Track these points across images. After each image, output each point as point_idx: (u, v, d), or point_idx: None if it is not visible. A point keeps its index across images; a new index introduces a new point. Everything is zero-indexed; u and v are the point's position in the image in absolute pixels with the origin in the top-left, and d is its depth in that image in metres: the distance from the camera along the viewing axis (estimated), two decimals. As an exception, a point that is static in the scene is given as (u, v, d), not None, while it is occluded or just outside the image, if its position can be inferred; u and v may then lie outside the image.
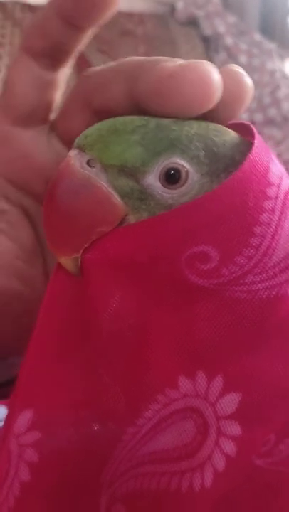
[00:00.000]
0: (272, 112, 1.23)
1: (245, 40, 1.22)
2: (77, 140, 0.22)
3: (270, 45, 1.24)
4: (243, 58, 1.20)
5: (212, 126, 0.23)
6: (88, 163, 0.22)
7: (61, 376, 0.24)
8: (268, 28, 1.36)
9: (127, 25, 0.98)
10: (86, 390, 0.24)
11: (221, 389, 0.23)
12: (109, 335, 0.23)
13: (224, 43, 1.18)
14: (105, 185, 0.22)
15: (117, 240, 0.22)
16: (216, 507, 0.23)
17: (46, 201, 0.23)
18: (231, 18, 1.22)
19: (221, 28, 1.18)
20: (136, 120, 0.22)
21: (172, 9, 1.17)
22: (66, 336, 0.24)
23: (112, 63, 0.27)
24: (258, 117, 1.23)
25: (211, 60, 1.18)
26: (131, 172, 0.22)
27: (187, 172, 0.22)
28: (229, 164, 0.22)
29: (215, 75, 0.23)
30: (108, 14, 0.28)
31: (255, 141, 0.23)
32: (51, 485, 0.23)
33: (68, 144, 0.29)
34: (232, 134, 0.24)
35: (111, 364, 0.23)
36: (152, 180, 0.22)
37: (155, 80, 0.23)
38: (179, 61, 0.23)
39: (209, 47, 1.19)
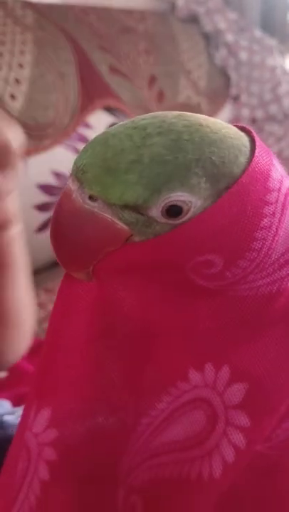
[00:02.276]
0: (274, 108, 1.23)
1: (246, 36, 1.22)
2: (74, 170, 0.23)
3: (271, 42, 1.24)
4: (243, 55, 1.20)
5: (207, 138, 0.22)
6: (90, 197, 0.22)
7: (75, 375, 0.25)
8: (268, 25, 1.36)
9: (127, 22, 0.98)
10: (96, 387, 0.24)
11: (228, 379, 0.23)
12: (122, 335, 0.24)
13: (225, 40, 1.18)
14: (110, 217, 0.22)
15: (125, 252, 0.23)
16: (222, 495, 0.24)
17: (52, 230, 0.23)
18: (232, 15, 1.22)
19: (222, 25, 1.18)
20: (127, 150, 0.22)
21: (173, 6, 1.17)
22: (81, 337, 0.25)
23: None
24: (259, 114, 1.23)
25: (211, 56, 1.19)
26: (134, 208, 0.22)
27: (190, 203, 0.22)
28: (230, 181, 0.22)
29: None
30: None
31: (257, 150, 0.23)
32: (69, 482, 0.24)
33: None
34: (230, 142, 0.23)
35: (122, 361, 0.24)
36: (156, 213, 0.22)
37: None
38: None
39: (210, 43, 1.19)
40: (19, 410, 0.38)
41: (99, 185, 0.22)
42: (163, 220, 0.22)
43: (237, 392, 0.23)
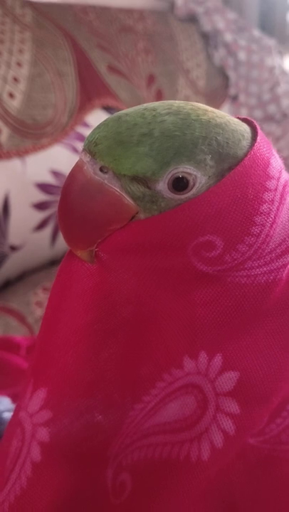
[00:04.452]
0: (272, 108, 1.24)
1: (245, 36, 1.22)
2: (87, 144, 0.23)
3: (270, 42, 1.24)
4: (242, 54, 1.20)
5: (213, 121, 0.24)
6: (101, 169, 0.23)
7: (71, 358, 0.25)
8: (267, 25, 1.36)
9: (126, 22, 0.98)
10: (91, 371, 0.25)
11: (220, 367, 0.24)
12: (120, 319, 0.24)
13: (223, 39, 1.18)
14: (118, 190, 0.23)
15: (129, 232, 0.24)
16: (212, 480, 0.24)
17: (62, 202, 0.24)
18: (231, 15, 1.22)
19: (221, 25, 1.18)
20: (139, 125, 0.23)
21: (172, 5, 1.17)
22: (79, 320, 0.25)
23: None
24: (258, 114, 1.24)
25: (210, 56, 1.19)
26: (142, 180, 0.23)
27: (195, 177, 0.23)
28: (233, 162, 0.23)
29: None
30: None
31: (258, 137, 0.24)
32: (60, 465, 0.24)
33: None
34: (233, 127, 0.24)
35: (119, 346, 0.25)
36: (162, 187, 0.23)
37: None
38: None
39: (208, 43, 1.19)
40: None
41: (111, 155, 0.23)
42: (168, 194, 0.23)
43: (228, 380, 0.24)
